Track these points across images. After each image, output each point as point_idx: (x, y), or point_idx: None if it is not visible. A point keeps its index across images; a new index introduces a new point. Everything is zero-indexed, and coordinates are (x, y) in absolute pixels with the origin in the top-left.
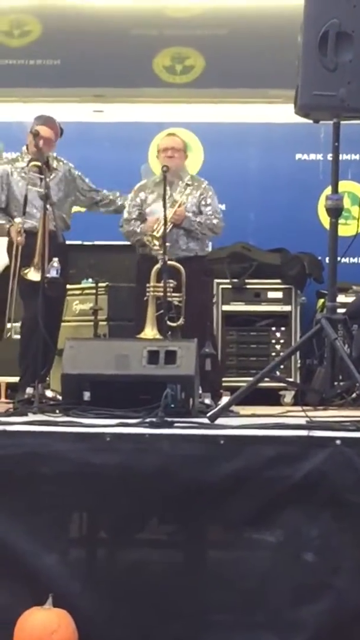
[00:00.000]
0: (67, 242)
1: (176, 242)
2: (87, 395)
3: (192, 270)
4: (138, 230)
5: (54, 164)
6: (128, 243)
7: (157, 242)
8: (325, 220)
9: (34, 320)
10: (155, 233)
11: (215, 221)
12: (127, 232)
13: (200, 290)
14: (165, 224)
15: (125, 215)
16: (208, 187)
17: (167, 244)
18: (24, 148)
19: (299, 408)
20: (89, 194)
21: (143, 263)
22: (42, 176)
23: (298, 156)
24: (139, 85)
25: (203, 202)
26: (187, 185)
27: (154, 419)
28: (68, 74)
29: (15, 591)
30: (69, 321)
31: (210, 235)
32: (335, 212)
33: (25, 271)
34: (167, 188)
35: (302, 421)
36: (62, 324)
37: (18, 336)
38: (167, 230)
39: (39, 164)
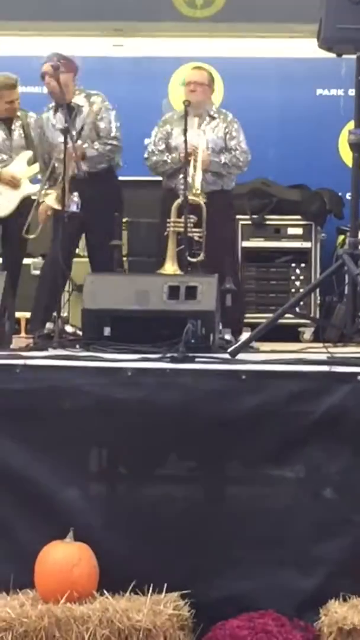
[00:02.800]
0: None
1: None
2: (107, 331)
3: (218, 204)
4: (168, 159)
5: (80, 100)
6: (148, 178)
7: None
8: (345, 155)
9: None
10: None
11: (241, 159)
12: (154, 162)
13: (225, 224)
14: (186, 157)
15: (151, 147)
16: (233, 121)
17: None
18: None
19: (319, 344)
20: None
21: (168, 198)
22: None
23: (319, 91)
24: (159, 19)
25: (228, 136)
26: (212, 117)
27: (175, 354)
28: (88, 7)
29: (36, 525)
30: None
31: (236, 172)
32: (358, 147)
33: (46, 194)
34: (195, 120)
35: (323, 357)
36: (82, 259)
37: (37, 272)
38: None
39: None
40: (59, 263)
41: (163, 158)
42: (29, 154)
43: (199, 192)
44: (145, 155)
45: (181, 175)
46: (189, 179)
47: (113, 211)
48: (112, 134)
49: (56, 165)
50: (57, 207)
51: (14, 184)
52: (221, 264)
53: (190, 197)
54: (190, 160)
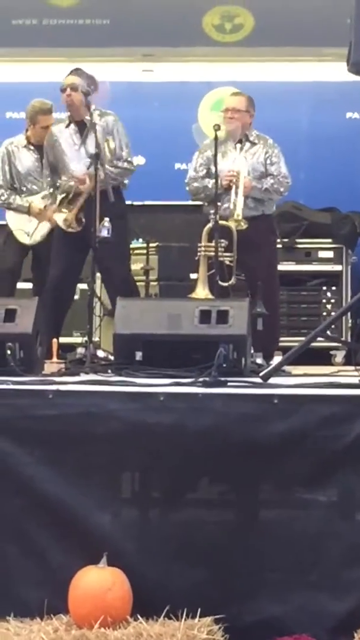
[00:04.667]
0: None
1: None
2: (139, 355)
3: (260, 229)
4: (210, 185)
5: (96, 118)
6: (178, 203)
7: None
8: None
9: (61, 279)
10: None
11: (282, 184)
12: (195, 188)
13: (267, 248)
14: (216, 182)
15: (192, 173)
16: (274, 146)
17: (225, 205)
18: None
19: (351, 367)
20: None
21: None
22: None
23: (349, 114)
24: (189, 44)
25: (269, 161)
26: (253, 143)
27: (207, 378)
28: (117, 33)
29: (70, 550)
30: None
31: (277, 198)
32: None
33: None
34: (237, 146)
35: (355, 380)
36: None
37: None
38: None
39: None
40: (61, 284)
41: (204, 184)
42: None
43: (240, 217)
44: (186, 181)
45: (225, 200)
46: (231, 206)
47: (119, 230)
48: (124, 157)
49: (66, 183)
50: (64, 228)
51: (42, 216)
52: (263, 288)
53: (232, 223)
54: (231, 186)
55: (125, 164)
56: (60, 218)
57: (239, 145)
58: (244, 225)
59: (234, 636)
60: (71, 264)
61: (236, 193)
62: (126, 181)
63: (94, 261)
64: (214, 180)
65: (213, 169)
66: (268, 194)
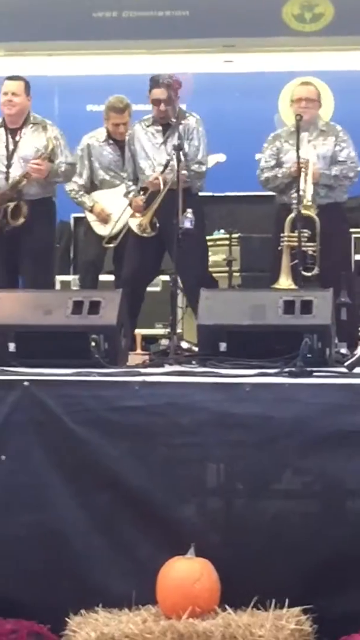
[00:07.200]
0: (200, 194)
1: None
2: (223, 346)
3: (331, 217)
4: (279, 175)
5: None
6: (260, 194)
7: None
8: None
9: (131, 279)
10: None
11: (351, 170)
12: (266, 178)
13: (339, 237)
14: (298, 171)
15: (263, 163)
16: (343, 133)
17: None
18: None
19: None
20: None
21: (281, 213)
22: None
23: None
24: (269, 35)
25: (338, 148)
26: (322, 131)
27: (293, 369)
28: (197, 24)
29: (157, 542)
30: None
31: (348, 184)
32: None
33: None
34: (305, 134)
35: None
36: None
37: (152, 288)
38: (306, 185)
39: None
40: (131, 284)
41: (274, 173)
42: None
43: (309, 204)
44: (258, 172)
45: (293, 190)
46: (301, 192)
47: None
48: (199, 159)
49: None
50: (139, 233)
51: (103, 217)
52: (336, 277)
53: (302, 211)
54: (301, 174)
55: (197, 167)
56: (134, 223)
57: (306, 134)
58: (313, 213)
59: (322, 627)
60: (142, 264)
61: (305, 180)
62: (199, 183)
63: (176, 253)
64: (283, 170)
65: (283, 158)
66: (338, 180)
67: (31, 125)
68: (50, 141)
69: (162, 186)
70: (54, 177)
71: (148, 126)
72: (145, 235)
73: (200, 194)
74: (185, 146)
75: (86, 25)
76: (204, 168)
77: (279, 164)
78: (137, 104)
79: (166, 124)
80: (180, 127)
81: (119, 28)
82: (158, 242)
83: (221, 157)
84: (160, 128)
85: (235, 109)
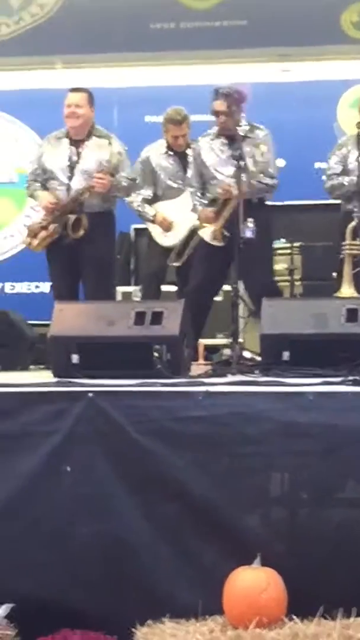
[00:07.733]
0: None
1: None
2: (286, 355)
3: None
4: (345, 182)
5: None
6: (321, 202)
7: None
8: None
9: (197, 289)
10: None
11: None
12: (331, 186)
13: None
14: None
15: (329, 171)
16: None
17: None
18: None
19: None
20: None
21: (347, 221)
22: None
23: None
24: (326, 43)
25: None
26: None
27: (356, 377)
28: (254, 34)
29: (222, 552)
30: None
31: None
32: None
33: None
34: None
35: None
36: None
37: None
38: None
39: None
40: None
41: (340, 181)
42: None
43: None
44: (324, 178)
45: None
46: None
47: (262, 235)
48: (270, 173)
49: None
50: (209, 241)
51: (166, 226)
52: None
53: None
54: None
55: (269, 181)
56: (206, 233)
57: None
58: None
59: None
60: (210, 276)
61: None
62: (269, 196)
63: (237, 263)
64: (350, 178)
65: (349, 166)
66: None
67: (95, 137)
68: (115, 156)
69: (234, 193)
70: (115, 191)
71: (212, 140)
72: (215, 243)
73: None
74: (253, 159)
75: (144, 37)
76: (275, 181)
77: (345, 172)
78: (195, 114)
79: (231, 136)
80: (249, 139)
81: (176, 39)
82: (225, 252)
83: (280, 163)
84: (225, 141)
85: (293, 119)
